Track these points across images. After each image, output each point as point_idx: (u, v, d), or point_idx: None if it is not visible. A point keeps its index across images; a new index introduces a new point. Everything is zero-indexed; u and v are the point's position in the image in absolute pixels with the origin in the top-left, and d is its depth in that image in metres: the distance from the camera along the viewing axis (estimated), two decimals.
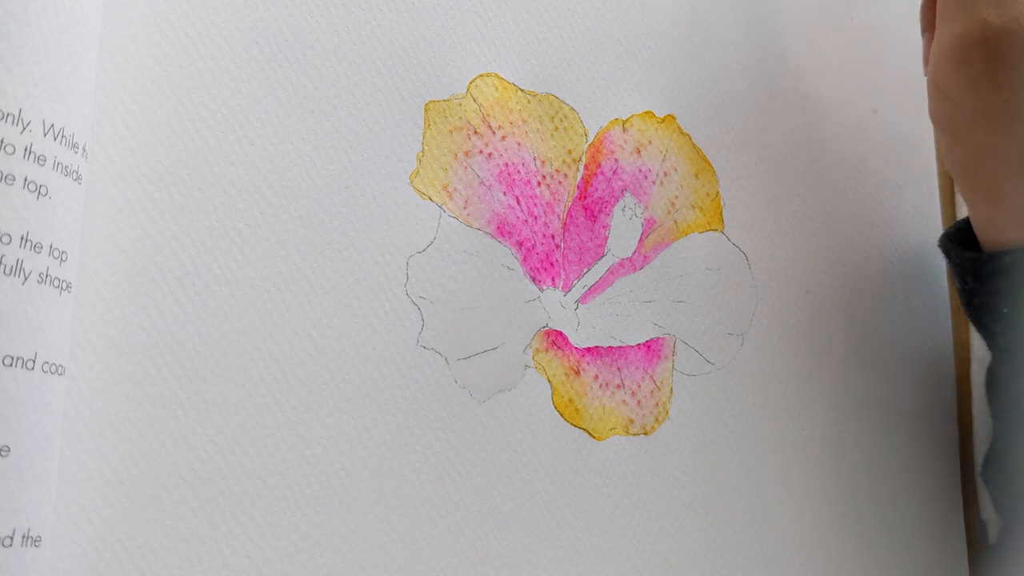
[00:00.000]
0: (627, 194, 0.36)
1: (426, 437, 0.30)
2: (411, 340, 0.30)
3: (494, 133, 0.33)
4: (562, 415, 0.33)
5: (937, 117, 0.36)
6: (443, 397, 0.30)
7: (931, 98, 0.36)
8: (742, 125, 0.41)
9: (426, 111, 0.32)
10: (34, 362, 0.21)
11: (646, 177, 0.37)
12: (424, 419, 0.30)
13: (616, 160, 0.36)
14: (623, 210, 0.36)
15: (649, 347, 0.35)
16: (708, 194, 0.39)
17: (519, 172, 0.33)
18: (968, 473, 0.45)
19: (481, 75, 0.33)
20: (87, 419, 0.24)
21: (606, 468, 0.33)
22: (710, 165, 0.39)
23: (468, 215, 0.32)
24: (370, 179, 0.30)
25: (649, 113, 0.38)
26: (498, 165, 0.33)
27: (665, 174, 0.38)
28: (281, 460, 0.27)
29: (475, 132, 0.33)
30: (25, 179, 0.21)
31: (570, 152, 0.35)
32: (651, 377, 0.35)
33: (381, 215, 0.30)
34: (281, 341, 0.28)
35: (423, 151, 0.31)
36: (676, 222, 0.38)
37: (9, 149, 0.21)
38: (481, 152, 0.32)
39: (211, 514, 0.26)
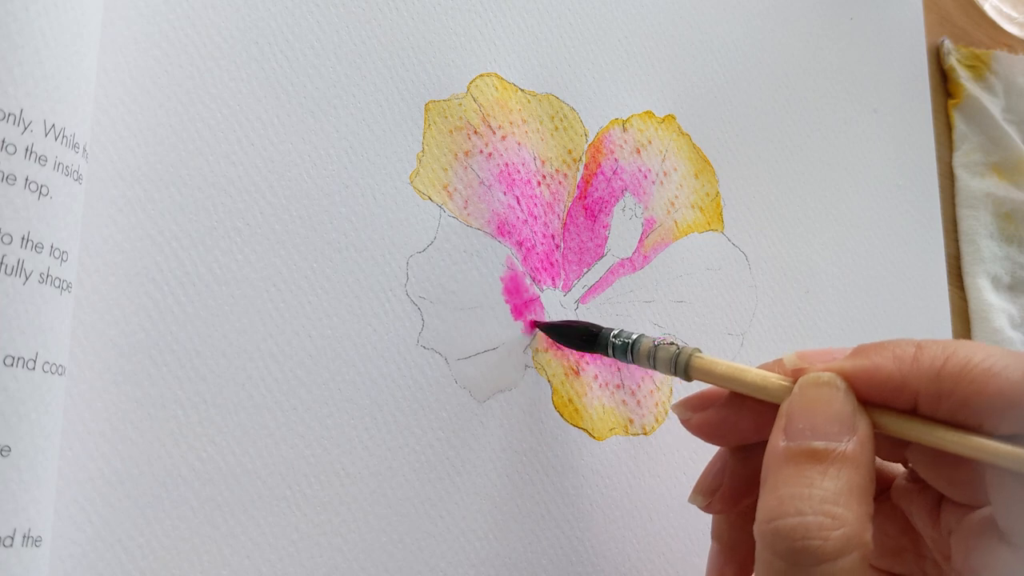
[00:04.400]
0: (627, 194, 0.36)
1: (426, 437, 0.30)
2: (411, 340, 0.30)
3: (494, 133, 0.33)
4: (562, 415, 0.33)
5: None
6: (443, 397, 0.30)
7: None
8: (742, 125, 0.41)
9: (426, 111, 0.32)
10: (35, 362, 0.21)
11: (646, 177, 0.37)
12: (424, 419, 0.30)
13: (616, 160, 0.36)
14: (623, 210, 0.36)
15: None
16: (708, 194, 0.39)
17: (519, 172, 0.33)
18: None
19: (481, 75, 0.33)
20: (87, 419, 0.24)
21: (606, 468, 0.33)
22: (710, 165, 0.39)
23: (468, 215, 0.32)
24: (370, 179, 0.30)
25: (649, 113, 0.38)
26: (498, 165, 0.33)
27: (665, 174, 0.38)
28: (281, 460, 0.27)
29: (475, 132, 0.33)
30: (26, 179, 0.21)
31: (570, 152, 0.35)
32: (651, 377, 0.35)
33: (381, 215, 0.30)
34: (281, 341, 0.27)
35: (423, 151, 0.31)
36: (676, 222, 0.38)
37: (11, 149, 0.21)
38: (481, 152, 0.32)
39: (211, 514, 0.26)
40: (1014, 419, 0.22)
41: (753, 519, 0.28)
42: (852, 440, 0.23)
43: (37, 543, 0.21)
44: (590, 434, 0.33)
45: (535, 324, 0.32)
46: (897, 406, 0.24)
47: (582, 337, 0.31)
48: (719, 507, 0.29)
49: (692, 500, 0.29)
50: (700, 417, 0.28)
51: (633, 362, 0.30)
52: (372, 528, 0.28)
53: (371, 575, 0.28)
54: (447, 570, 0.29)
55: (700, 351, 0.28)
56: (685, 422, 0.28)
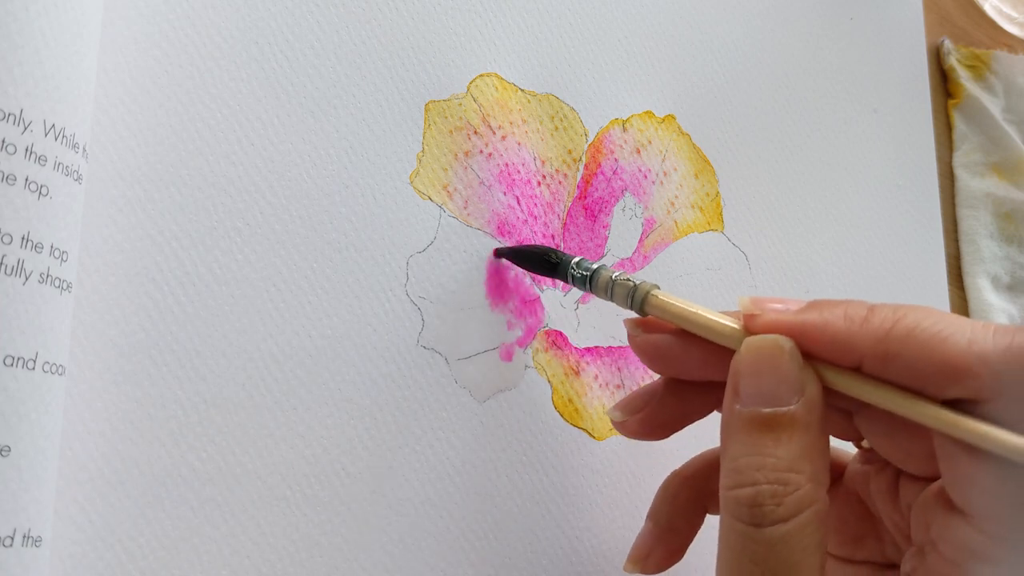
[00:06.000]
0: (627, 194, 0.36)
1: (426, 437, 0.30)
2: (411, 340, 0.30)
3: (494, 133, 0.33)
4: (562, 415, 0.33)
5: None
6: (443, 397, 0.30)
7: None
8: (742, 125, 0.41)
9: (426, 111, 0.32)
10: (35, 362, 0.21)
11: (646, 177, 0.37)
12: (424, 419, 0.30)
13: (616, 160, 0.36)
14: (623, 210, 0.36)
15: None
16: (708, 194, 0.39)
17: (519, 172, 0.33)
18: None
19: (481, 75, 0.33)
20: (87, 419, 0.24)
21: (606, 468, 0.33)
22: (710, 165, 0.39)
23: (468, 215, 0.32)
24: (370, 179, 0.30)
25: (649, 113, 0.38)
26: (498, 165, 0.33)
27: (665, 174, 0.38)
28: (281, 460, 0.27)
29: (475, 132, 0.33)
30: (26, 179, 0.21)
31: (570, 152, 0.35)
32: (651, 377, 0.35)
33: (381, 215, 0.30)
34: (281, 341, 0.27)
35: (423, 151, 0.31)
36: (676, 222, 0.38)
37: (11, 149, 0.21)
38: (481, 152, 0.32)
39: (211, 514, 0.26)
40: (958, 385, 0.22)
41: (691, 504, 0.30)
42: (800, 401, 0.24)
43: (37, 543, 0.21)
44: (590, 434, 0.33)
45: (497, 252, 0.32)
46: (844, 365, 0.24)
47: (543, 263, 0.31)
48: (634, 428, 0.29)
49: (609, 413, 0.29)
50: (647, 338, 0.28)
51: (592, 292, 0.29)
52: (372, 528, 0.28)
53: (371, 575, 0.28)
54: (447, 570, 0.29)
55: (659, 287, 0.28)
56: (632, 339, 0.28)
